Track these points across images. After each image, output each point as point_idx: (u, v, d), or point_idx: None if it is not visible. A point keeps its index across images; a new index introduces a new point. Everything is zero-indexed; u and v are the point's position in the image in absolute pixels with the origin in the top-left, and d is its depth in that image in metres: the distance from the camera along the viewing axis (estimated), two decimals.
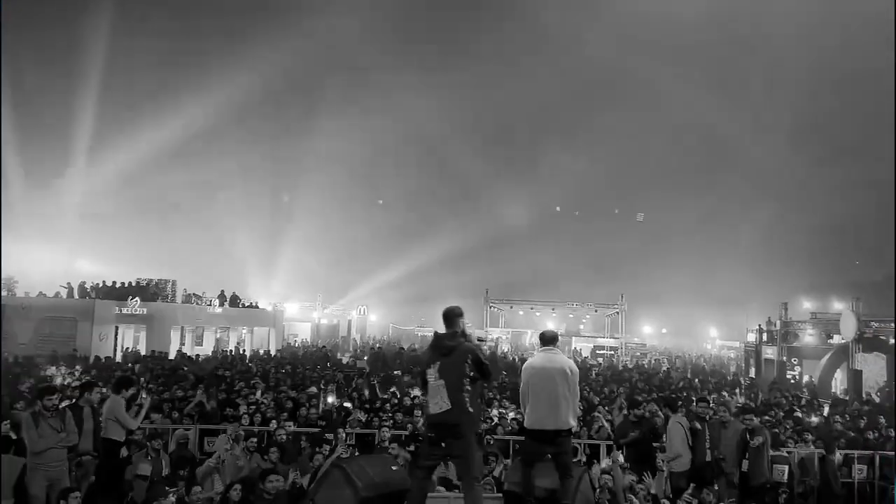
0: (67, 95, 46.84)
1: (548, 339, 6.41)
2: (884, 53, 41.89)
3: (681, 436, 8.67)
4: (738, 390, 19.65)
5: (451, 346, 5.07)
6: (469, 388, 4.92)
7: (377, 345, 36.53)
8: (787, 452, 10.33)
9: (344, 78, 60.94)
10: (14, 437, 8.34)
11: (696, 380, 23.19)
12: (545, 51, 59.72)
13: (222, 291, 33.34)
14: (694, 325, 58.24)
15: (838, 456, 10.56)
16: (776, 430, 11.42)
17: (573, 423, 5.99)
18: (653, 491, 7.54)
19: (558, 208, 65.49)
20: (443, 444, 5.01)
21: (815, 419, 13.30)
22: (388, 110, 59.21)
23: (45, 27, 47.79)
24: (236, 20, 57.56)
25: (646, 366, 32.48)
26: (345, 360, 26.68)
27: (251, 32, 56.09)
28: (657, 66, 57.36)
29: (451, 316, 5.22)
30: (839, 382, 25.42)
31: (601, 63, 58.01)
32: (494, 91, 59.74)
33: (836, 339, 26.98)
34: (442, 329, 5.32)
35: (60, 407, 7.70)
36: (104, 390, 9.54)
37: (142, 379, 15.25)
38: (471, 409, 4.90)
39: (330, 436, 9.12)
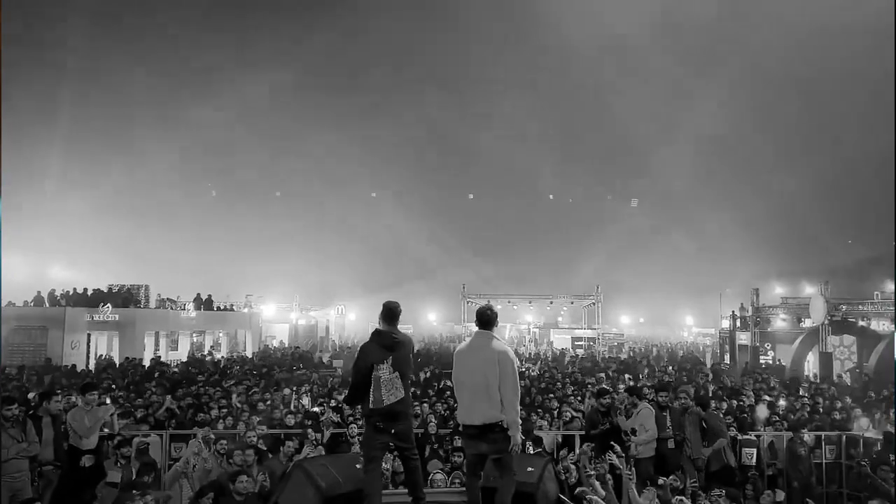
0: (37, 98, 46.20)
1: (484, 321, 5.54)
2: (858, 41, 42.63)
3: (653, 418, 8.78)
4: (709, 377, 19.81)
5: (397, 341, 5.40)
6: (411, 377, 5.49)
7: (349, 346, 36.39)
8: (756, 436, 10.48)
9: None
10: None
11: (670, 367, 23.36)
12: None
13: (198, 295, 33.03)
14: (670, 314, 58.87)
15: (807, 437, 10.72)
16: (745, 415, 11.57)
17: (503, 416, 5.19)
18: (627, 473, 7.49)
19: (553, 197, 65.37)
20: (392, 431, 5.36)
21: (783, 402, 13.46)
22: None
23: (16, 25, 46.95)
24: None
25: (623, 357, 32.72)
26: (325, 360, 26.65)
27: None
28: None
29: (396, 312, 5.53)
30: (811, 365, 25.79)
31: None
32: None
33: (808, 323, 27.37)
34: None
35: (20, 417, 7.57)
36: (72, 398, 9.42)
37: (106, 384, 14.99)
38: (409, 395, 5.50)
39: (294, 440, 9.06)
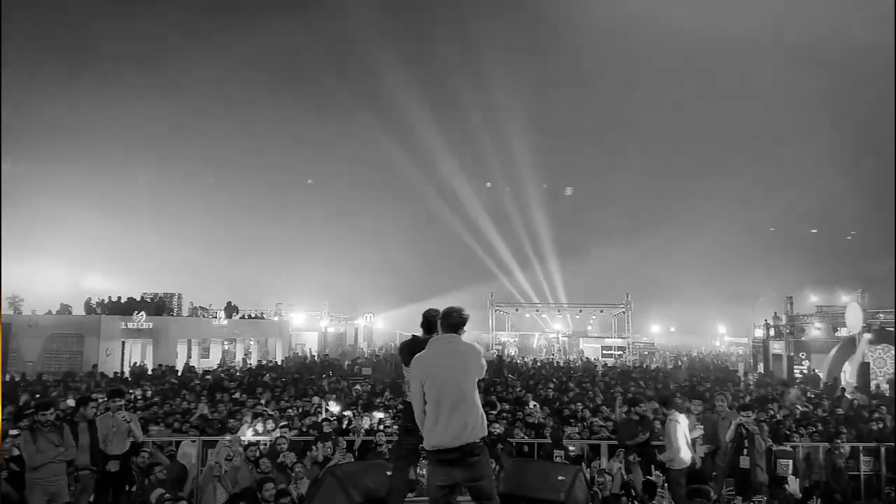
0: (73, 107, 47.23)
1: (452, 324, 4.68)
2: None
3: (680, 433, 8.66)
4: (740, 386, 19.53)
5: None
6: None
7: (378, 353, 36.52)
8: (792, 447, 10.27)
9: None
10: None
11: (695, 378, 23.05)
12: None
13: (229, 303, 33.43)
14: (702, 323, 58.03)
15: (844, 448, 10.47)
16: (779, 425, 11.36)
17: (485, 431, 4.54)
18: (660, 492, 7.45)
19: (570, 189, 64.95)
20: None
21: (820, 413, 13.20)
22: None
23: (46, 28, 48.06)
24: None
25: (651, 366, 32.33)
26: (355, 369, 26.75)
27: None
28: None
29: (433, 321, 5.24)
30: (848, 375, 25.22)
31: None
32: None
33: (843, 332, 26.81)
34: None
35: (57, 422, 7.73)
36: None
37: (130, 393, 15.21)
38: None
39: (327, 444, 9.12)
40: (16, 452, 8.32)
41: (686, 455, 8.56)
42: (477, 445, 4.43)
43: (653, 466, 8.44)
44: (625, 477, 8.39)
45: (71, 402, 12.29)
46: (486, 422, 4.58)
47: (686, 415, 9.30)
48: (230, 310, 32.98)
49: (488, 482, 4.57)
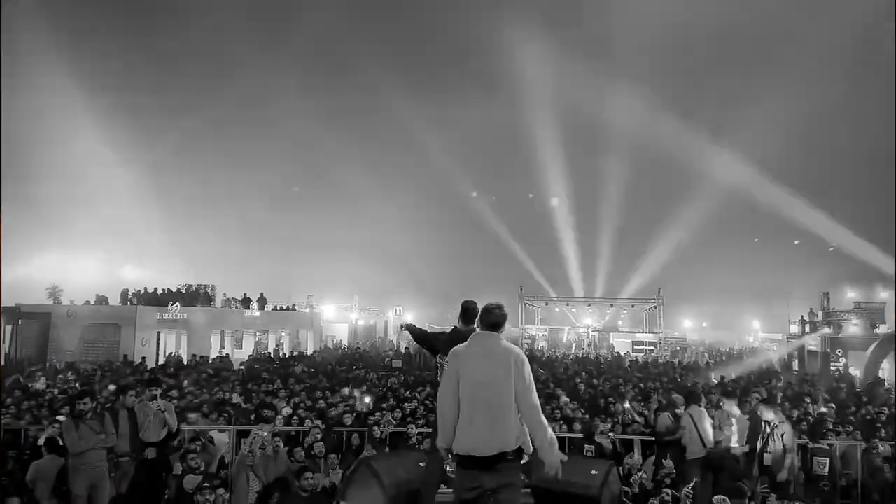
0: (100, 100, 48.00)
1: (492, 322, 4.42)
2: None
3: (693, 425, 8.67)
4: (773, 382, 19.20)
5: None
6: None
7: (407, 346, 36.65)
8: (828, 445, 10.10)
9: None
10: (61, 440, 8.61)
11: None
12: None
13: (262, 294, 33.79)
14: (735, 318, 57.13)
15: (883, 448, 10.26)
16: (817, 423, 11.17)
17: (519, 442, 4.26)
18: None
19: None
20: None
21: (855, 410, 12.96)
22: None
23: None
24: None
25: (682, 361, 31.94)
26: (386, 361, 26.87)
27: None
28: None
29: (471, 311, 5.35)
30: (886, 373, 24.71)
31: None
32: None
33: (882, 329, 26.25)
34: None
35: (98, 410, 7.92)
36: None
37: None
38: None
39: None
40: (40, 441, 8.58)
41: (696, 447, 8.53)
42: (508, 454, 4.20)
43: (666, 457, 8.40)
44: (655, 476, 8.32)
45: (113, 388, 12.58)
46: (525, 434, 4.28)
47: (715, 410, 9.26)
48: (263, 302, 33.35)
49: (514, 493, 4.31)
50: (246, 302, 32.76)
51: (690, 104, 59.38)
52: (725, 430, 8.90)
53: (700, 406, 8.96)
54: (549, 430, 4.23)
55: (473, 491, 4.24)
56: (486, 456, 4.15)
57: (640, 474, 8.01)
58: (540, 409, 4.27)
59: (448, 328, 5.73)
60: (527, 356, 4.39)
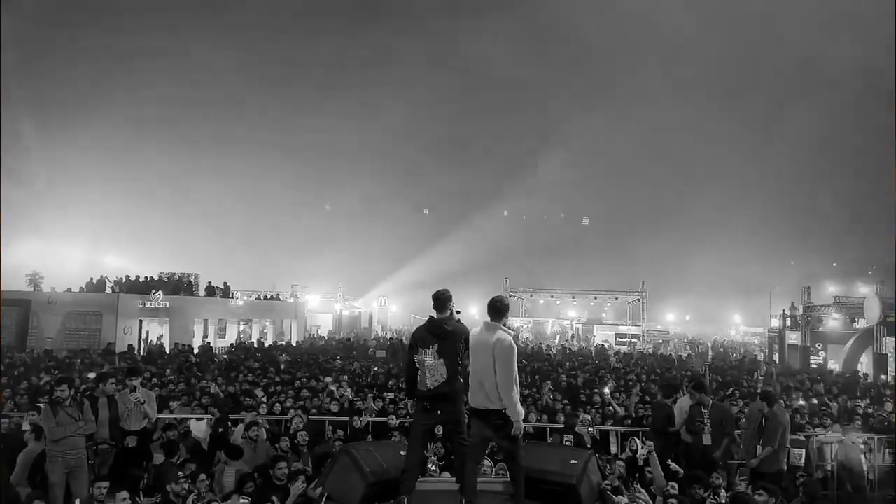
0: (85, 90, 47.54)
1: (496, 311, 5.49)
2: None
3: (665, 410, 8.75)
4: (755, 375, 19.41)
5: (448, 330, 5.44)
6: (461, 363, 5.47)
7: (393, 336, 36.66)
8: (805, 437, 10.21)
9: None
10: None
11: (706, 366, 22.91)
12: None
13: (225, 283, 33.24)
14: (717, 312, 57.65)
15: (860, 440, 10.37)
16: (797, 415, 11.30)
17: (503, 403, 5.24)
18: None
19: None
20: (438, 412, 5.50)
21: (834, 404, 13.12)
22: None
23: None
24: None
25: (664, 353, 32.20)
26: (370, 351, 26.86)
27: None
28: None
29: (443, 299, 5.54)
30: (864, 367, 25.02)
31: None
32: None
33: (861, 324, 26.55)
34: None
35: (77, 397, 7.85)
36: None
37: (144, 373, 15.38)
38: (461, 380, 5.51)
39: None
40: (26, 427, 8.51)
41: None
42: (498, 412, 5.25)
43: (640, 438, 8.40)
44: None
45: (93, 375, 12.48)
46: (516, 406, 5.23)
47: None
48: (227, 291, 32.92)
49: (512, 445, 5.35)
50: (227, 291, 32.52)
51: (675, 98, 59.82)
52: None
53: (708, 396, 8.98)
54: (518, 404, 5.27)
55: (479, 438, 5.46)
56: (480, 409, 5.35)
57: (617, 465, 8.01)
58: (512, 387, 5.24)
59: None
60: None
